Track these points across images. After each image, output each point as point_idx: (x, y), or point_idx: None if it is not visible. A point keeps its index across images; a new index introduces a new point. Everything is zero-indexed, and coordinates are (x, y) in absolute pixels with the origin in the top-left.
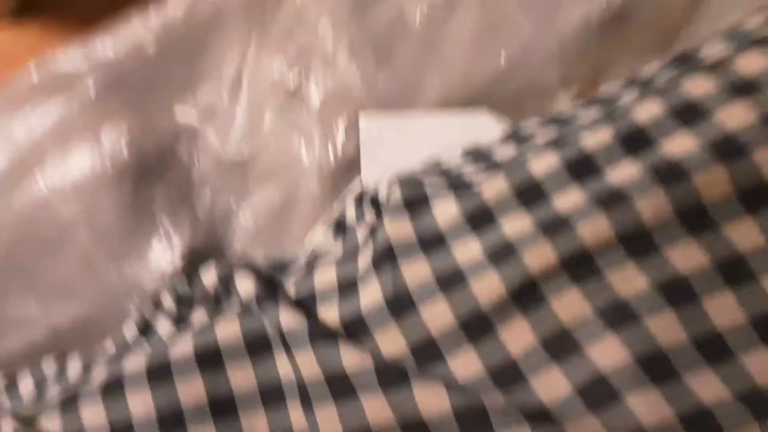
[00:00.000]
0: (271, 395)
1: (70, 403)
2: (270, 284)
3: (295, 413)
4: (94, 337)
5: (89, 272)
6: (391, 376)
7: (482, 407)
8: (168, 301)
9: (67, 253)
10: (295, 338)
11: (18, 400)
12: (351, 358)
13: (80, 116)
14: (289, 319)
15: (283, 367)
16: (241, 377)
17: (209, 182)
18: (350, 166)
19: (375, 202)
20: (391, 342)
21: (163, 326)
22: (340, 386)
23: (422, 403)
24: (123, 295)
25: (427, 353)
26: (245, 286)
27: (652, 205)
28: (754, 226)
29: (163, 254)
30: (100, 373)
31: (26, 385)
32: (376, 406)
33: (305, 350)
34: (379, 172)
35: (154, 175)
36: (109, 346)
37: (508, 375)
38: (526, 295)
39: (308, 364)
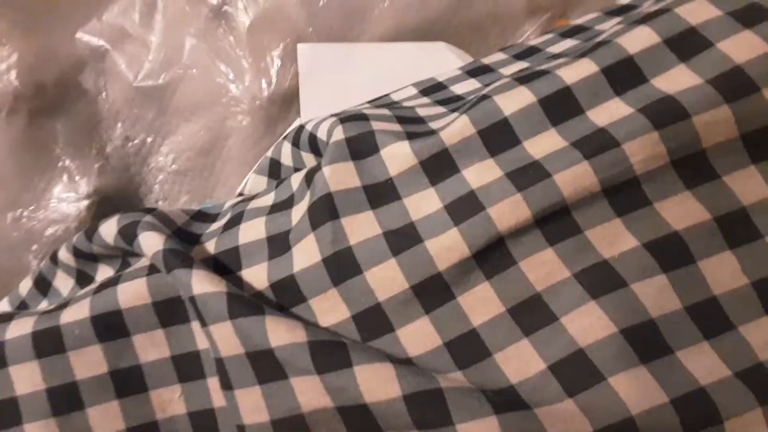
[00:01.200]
0: (188, 369)
1: None
2: (186, 238)
3: (217, 390)
4: None
5: None
6: (328, 354)
7: (438, 390)
8: (65, 255)
9: None
10: (210, 306)
11: None
12: (279, 332)
13: None
14: (203, 283)
15: (201, 336)
16: (151, 347)
17: (121, 115)
18: (287, 100)
19: (314, 143)
20: (331, 311)
21: (64, 284)
22: (266, 365)
23: (366, 388)
24: (21, 246)
25: (374, 324)
26: (150, 240)
27: (644, 151)
28: (759, 176)
29: (66, 198)
30: None
31: None
32: (309, 390)
33: (222, 321)
34: (320, 108)
35: (53, 108)
36: (2, 307)
37: (469, 350)
38: (492, 256)
39: (226, 337)
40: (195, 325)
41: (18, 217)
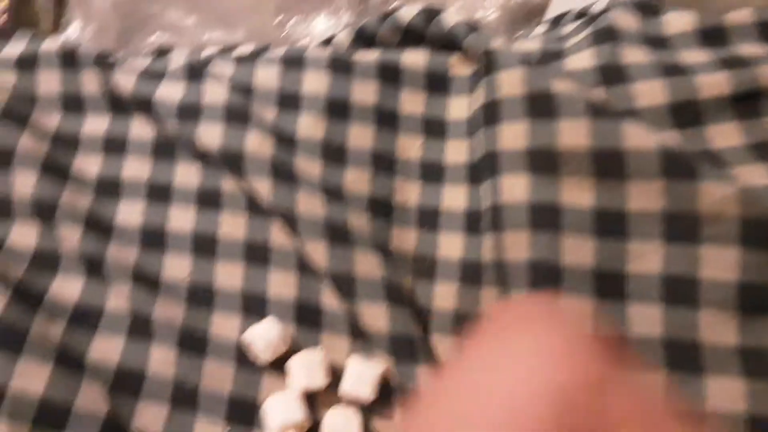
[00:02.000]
0: (434, 129)
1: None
2: None
3: None
4: None
5: (253, 13)
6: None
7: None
8: (343, 37)
9: None
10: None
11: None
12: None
13: None
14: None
15: (454, 107)
16: (410, 103)
17: None
18: (533, 12)
19: (581, 17)
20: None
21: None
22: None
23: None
24: (281, 42)
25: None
26: (450, 15)
27: None
28: None
29: (328, 25)
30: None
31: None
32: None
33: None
34: None
35: None
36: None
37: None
38: (748, 104)
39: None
40: (454, 97)
41: (283, 20)
